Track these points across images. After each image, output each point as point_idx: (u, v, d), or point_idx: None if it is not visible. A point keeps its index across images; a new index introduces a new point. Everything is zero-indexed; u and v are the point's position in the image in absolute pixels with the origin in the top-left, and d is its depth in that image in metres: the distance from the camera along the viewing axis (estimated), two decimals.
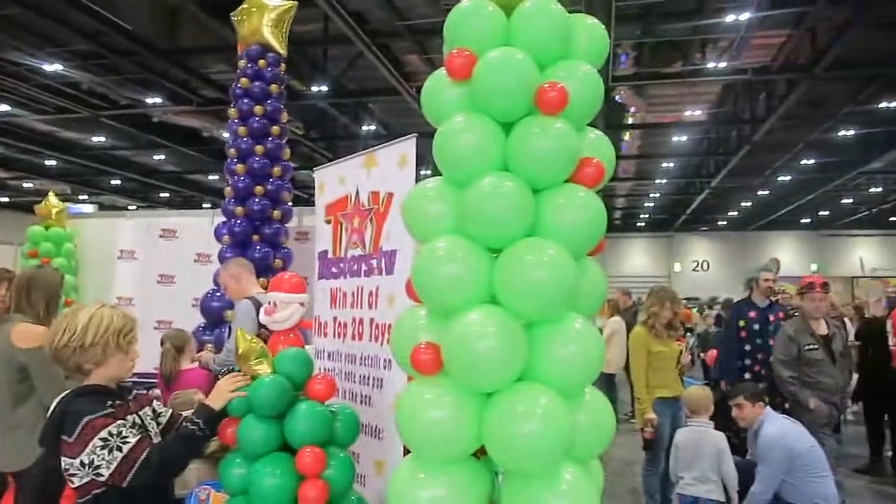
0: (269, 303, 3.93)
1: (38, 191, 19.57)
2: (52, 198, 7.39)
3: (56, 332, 2.07)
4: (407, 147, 2.89)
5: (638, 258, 29.31)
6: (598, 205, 2.00)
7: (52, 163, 17.67)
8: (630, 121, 13.93)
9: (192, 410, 2.31)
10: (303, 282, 3.94)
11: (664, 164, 18.35)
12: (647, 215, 27.64)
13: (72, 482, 2.00)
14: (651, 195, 23.16)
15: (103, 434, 1.94)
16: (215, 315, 5.74)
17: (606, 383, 7.52)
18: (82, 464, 1.93)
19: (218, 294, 5.71)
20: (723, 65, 10.44)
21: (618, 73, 10.23)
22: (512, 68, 1.94)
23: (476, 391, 1.87)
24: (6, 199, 22.35)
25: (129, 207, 21.82)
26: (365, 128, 14.13)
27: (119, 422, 1.99)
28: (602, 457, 2.12)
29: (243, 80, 6.17)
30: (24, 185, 20.52)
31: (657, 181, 20.31)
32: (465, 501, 1.89)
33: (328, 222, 3.44)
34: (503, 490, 1.90)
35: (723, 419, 4.61)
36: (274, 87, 6.22)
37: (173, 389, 4.04)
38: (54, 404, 2.07)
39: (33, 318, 3.23)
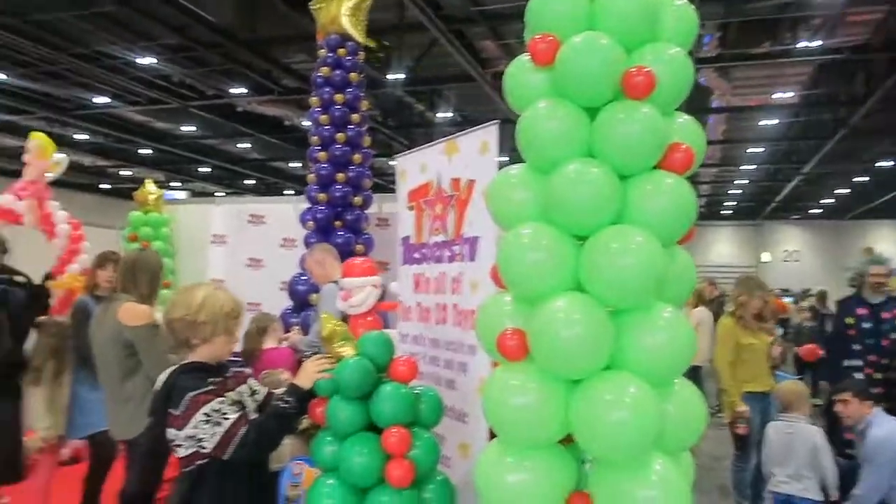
0: (345, 288, 4.05)
1: (134, 178, 20.70)
2: (149, 185, 7.82)
3: (172, 305, 2.20)
4: (488, 134, 2.90)
5: (723, 247, 28.28)
6: (687, 191, 1.96)
7: (147, 151, 18.63)
8: (714, 104, 13.40)
9: (283, 389, 2.41)
10: (374, 264, 4.03)
11: (751, 150, 17.58)
12: (733, 203, 26.60)
13: (177, 452, 2.14)
14: (737, 182, 22.27)
15: (206, 409, 2.06)
16: (302, 298, 5.96)
17: (692, 375, 7.32)
18: (187, 436, 2.06)
19: (304, 278, 5.92)
20: (816, 44, 9.87)
21: (701, 55, 9.87)
22: (597, 53, 1.92)
23: (562, 378, 1.88)
24: (107, 187, 23.73)
25: (217, 194, 22.75)
26: (441, 115, 14.20)
27: (220, 398, 2.10)
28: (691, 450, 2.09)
29: (324, 69, 6.32)
30: (122, 172, 21.75)
31: (744, 167, 19.49)
32: (550, 487, 1.91)
33: (410, 209, 3.51)
34: (591, 478, 1.91)
35: (830, 425, 4.32)
36: (353, 76, 6.35)
37: (259, 369, 4.22)
38: (162, 378, 2.20)
39: (137, 298, 3.41)
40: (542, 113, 1.98)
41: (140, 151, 18.80)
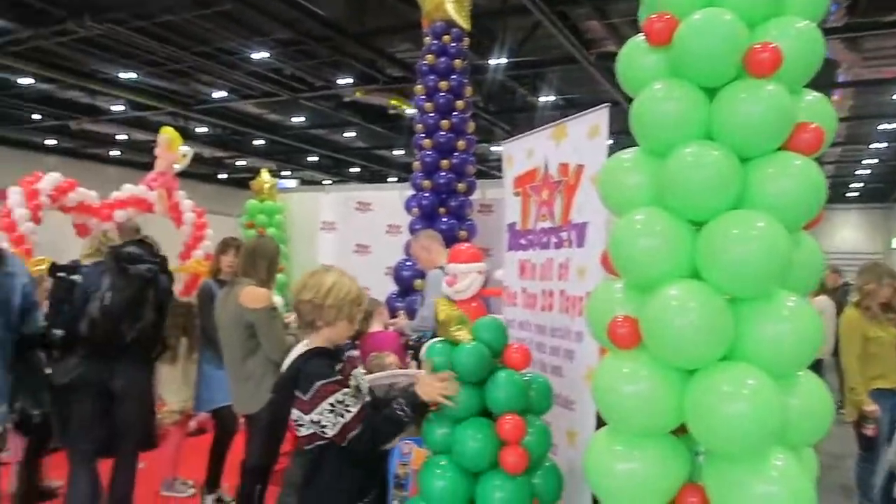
0: (450, 274, 4.10)
1: (248, 168, 21.84)
2: (265, 174, 8.21)
3: (302, 287, 2.31)
4: (598, 118, 2.84)
5: (848, 232, 26.31)
6: (815, 173, 1.86)
7: (260, 142, 19.59)
8: (841, 78, 12.41)
9: (401, 393, 2.44)
10: (479, 251, 4.05)
11: (882, 126, 16.19)
12: (860, 184, 24.68)
13: (298, 431, 2.27)
14: (865, 161, 20.62)
15: (331, 400, 2.16)
16: (406, 283, 6.09)
17: (814, 369, 6.87)
18: (312, 421, 2.19)
19: (409, 263, 6.05)
20: None
21: (826, 26, 9.17)
22: (718, 30, 1.84)
23: (676, 367, 1.83)
24: (224, 176, 25.17)
25: (325, 182, 23.61)
26: (543, 99, 14.01)
27: (344, 390, 2.20)
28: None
29: (429, 56, 6.38)
30: (238, 163, 22.99)
31: (874, 145, 18.01)
32: (661, 477, 1.87)
33: (517, 195, 3.50)
34: (705, 470, 1.85)
35: None
36: (458, 63, 6.38)
37: (365, 352, 4.34)
38: (290, 360, 2.32)
39: (257, 282, 3.60)
40: (658, 94, 1.92)
41: (254, 143, 19.78)
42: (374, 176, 24.00)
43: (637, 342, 1.89)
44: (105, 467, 3.80)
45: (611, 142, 2.85)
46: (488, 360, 2.48)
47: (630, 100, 2.05)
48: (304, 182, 23.81)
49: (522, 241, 3.44)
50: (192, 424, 5.34)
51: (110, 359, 3.54)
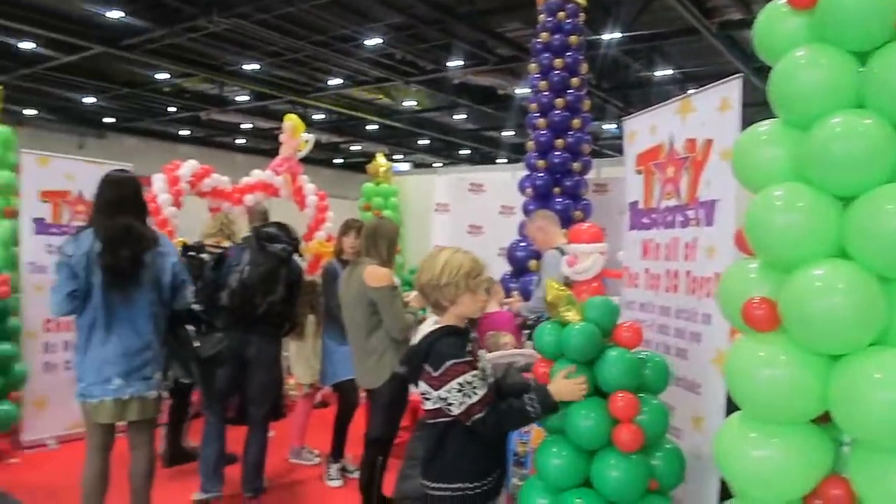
0: (571, 254, 4.04)
1: (362, 153, 22.48)
2: (380, 158, 8.42)
3: (420, 271, 2.39)
4: (729, 90, 2.70)
5: None
6: None
7: (373, 127, 20.11)
8: None
9: (534, 388, 2.45)
10: (601, 232, 3.95)
11: None
12: None
13: (425, 404, 2.34)
14: None
15: (461, 380, 2.22)
16: (520, 264, 6.09)
17: None
18: (439, 397, 2.25)
19: (522, 244, 6.04)
20: None
21: None
22: None
23: (818, 352, 1.73)
24: (340, 161, 26.06)
25: (435, 165, 23.91)
26: (659, 73, 13.44)
27: (473, 371, 2.25)
28: None
29: (543, 34, 6.28)
30: (352, 148, 23.73)
31: None
32: (800, 467, 1.77)
33: (639, 172, 3.39)
34: (851, 462, 1.74)
35: None
36: (573, 39, 6.24)
37: (482, 331, 4.39)
38: (422, 337, 2.38)
39: (378, 262, 3.72)
40: (800, 61, 1.79)
41: (367, 127, 20.32)
42: (483, 158, 24.01)
43: (775, 325, 1.79)
44: (238, 436, 4.10)
45: None
46: (598, 340, 2.46)
47: (757, 70, 1.93)
48: (415, 165, 24.24)
49: (645, 220, 3.35)
50: (317, 397, 5.62)
51: (244, 331, 3.84)
